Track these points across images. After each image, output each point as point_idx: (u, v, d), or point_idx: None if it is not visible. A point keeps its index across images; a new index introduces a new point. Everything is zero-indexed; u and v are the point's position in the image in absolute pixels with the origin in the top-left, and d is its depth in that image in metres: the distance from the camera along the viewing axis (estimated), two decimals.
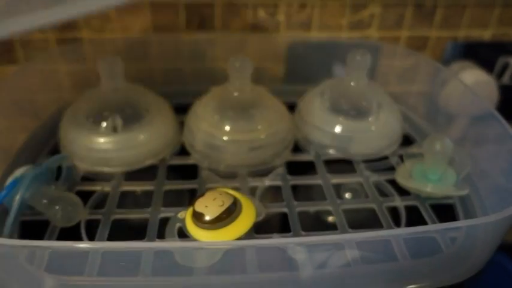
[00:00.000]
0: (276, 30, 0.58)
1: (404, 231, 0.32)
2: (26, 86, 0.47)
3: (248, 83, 0.42)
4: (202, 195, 0.33)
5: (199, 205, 0.32)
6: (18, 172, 0.35)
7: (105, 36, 0.55)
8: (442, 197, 0.38)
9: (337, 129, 0.43)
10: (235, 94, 0.42)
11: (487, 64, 0.59)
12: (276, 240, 0.29)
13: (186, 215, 0.33)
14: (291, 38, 0.57)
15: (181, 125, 0.45)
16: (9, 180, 0.34)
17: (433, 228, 0.31)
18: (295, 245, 0.28)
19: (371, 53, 0.43)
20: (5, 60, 0.56)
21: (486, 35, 0.62)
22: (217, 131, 0.41)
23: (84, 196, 0.37)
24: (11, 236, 0.33)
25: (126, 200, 0.39)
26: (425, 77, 0.54)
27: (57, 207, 0.34)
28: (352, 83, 0.44)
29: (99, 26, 0.55)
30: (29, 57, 0.56)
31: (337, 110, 0.44)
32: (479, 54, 0.61)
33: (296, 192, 0.39)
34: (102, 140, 0.40)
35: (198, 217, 0.32)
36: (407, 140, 0.47)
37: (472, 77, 0.58)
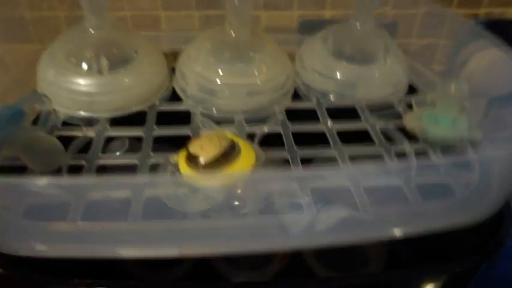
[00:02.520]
0: (289, 8, 0.54)
1: (412, 165, 0.30)
2: None
3: (247, 24, 0.38)
4: (197, 137, 0.30)
5: (194, 146, 0.29)
6: None
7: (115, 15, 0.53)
8: (453, 142, 0.36)
9: (340, 74, 0.40)
10: (233, 35, 0.38)
11: (509, 42, 0.56)
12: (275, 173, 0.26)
13: (179, 158, 0.30)
14: (304, 15, 0.54)
15: (172, 71, 0.42)
16: None
17: (441, 162, 0.28)
18: (297, 177, 0.26)
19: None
20: (18, 39, 0.54)
21: (509, 12, 0.58)
22: (212, 73, 0.37)
23: (67, 142, 0.33)
24: None
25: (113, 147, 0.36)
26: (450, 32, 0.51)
27: (33, 151, 0.30)
28: (358, 26, 0.41)
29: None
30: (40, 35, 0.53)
31: (341, 54, 0.41)
32: (501, 32, 0.58)
33: (298, 142, 0.37)
34: (83, 82, 0.36)
35: (192, 160, 0.29)
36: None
37: (492, 56, 0.55)
